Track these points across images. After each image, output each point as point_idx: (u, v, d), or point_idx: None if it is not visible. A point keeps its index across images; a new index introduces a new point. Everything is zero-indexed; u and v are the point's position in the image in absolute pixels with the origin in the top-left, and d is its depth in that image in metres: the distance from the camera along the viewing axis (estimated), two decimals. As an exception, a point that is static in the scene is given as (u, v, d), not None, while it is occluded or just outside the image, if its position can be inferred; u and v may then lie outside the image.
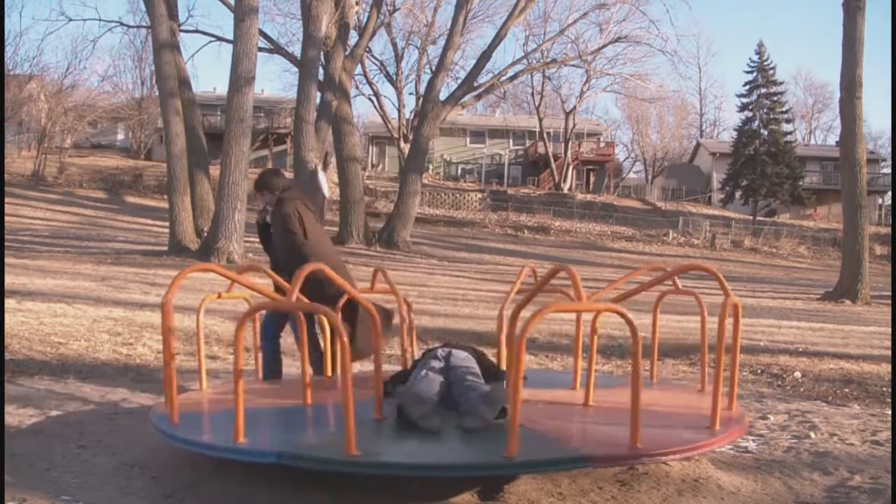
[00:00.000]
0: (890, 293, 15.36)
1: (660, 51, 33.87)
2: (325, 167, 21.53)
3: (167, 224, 19.45)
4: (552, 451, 3.09)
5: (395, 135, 39.88)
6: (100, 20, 40.66)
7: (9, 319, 6.94)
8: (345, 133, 24.74)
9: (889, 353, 7.38)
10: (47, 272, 12.78)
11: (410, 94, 41.77)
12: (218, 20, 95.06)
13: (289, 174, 32.87)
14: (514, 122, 47.41)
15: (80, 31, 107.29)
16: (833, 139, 51.99)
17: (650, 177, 55.71)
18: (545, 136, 44.15)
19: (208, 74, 76.06)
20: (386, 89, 62.66)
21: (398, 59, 40.11)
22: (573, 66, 35.76)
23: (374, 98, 38.88)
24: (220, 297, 4.50)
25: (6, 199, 27.13)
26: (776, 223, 39.85)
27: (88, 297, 9.60)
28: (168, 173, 19.17)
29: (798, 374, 6.58)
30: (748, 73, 44.81)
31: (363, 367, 5.43)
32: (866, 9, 16.28)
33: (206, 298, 4.48)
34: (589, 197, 43.14)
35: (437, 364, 3.89)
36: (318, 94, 21.11)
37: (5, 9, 29.77)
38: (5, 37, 31.56)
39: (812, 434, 4.43)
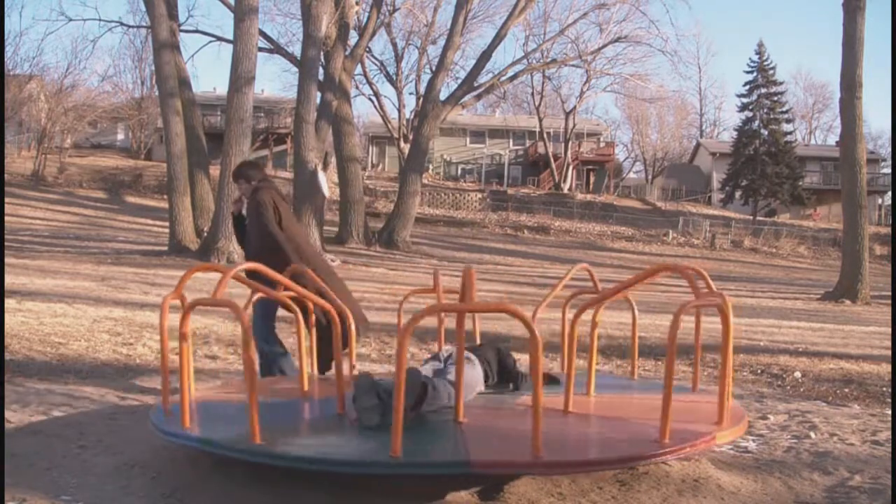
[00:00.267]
0: (890, 293, 15.37)
1: (660, 51, 33.88)
2: (325, 167, 21.52)
3: (167, 224, 19.47)
4: (439, 455, 2.98)
5: (395, 135, 39.89)
6: (100, 20, 40.74)
7: (9, 319, 6.95)
8: (345, 133, 24.75)
9: (889, 353, 7.38)
10: (47, 272, 12.78)
11: (410, 94, 41.85)
12: (218, 20, 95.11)
13: (289, 174, 32.92)
14: (514, 122, 47.42)
15: (80, 31, 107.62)
16: (833, 139, 52.05)
17: (650, 177, 55.72)
18: (545, 136, 44.16)
19: (208, 74, 76.22)
20: (386, 89, 62.81)
21: (398, 59, 40.14)
22: (573, 66, 35.84)
23: (374, 98, 38.95)
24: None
25: (6, 199, 27.14)
26: (776, 223, 39.86)
27: (88, 297, 9.60)
28: (168, 173, 19.18)
29: (798, 374, 6.58)
30: (748, 73, 44.88)
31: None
32: (866, 9, 16.29)
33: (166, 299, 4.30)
34: (589, 197, 43.14)
35: (434, 365, 3.90)
36: (318, 94, 21.12)
37: (5, 9, 29.76)
38: (5, 37, 31.57)
39: (812, 434, 4.43)
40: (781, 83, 45.31)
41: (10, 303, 8.13)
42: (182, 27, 24.58)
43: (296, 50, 26.86)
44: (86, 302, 9.00)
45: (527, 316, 2.81)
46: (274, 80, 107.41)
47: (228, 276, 3.49)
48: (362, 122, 47.93)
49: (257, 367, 4.72)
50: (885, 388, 5.99)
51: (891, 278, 17.12)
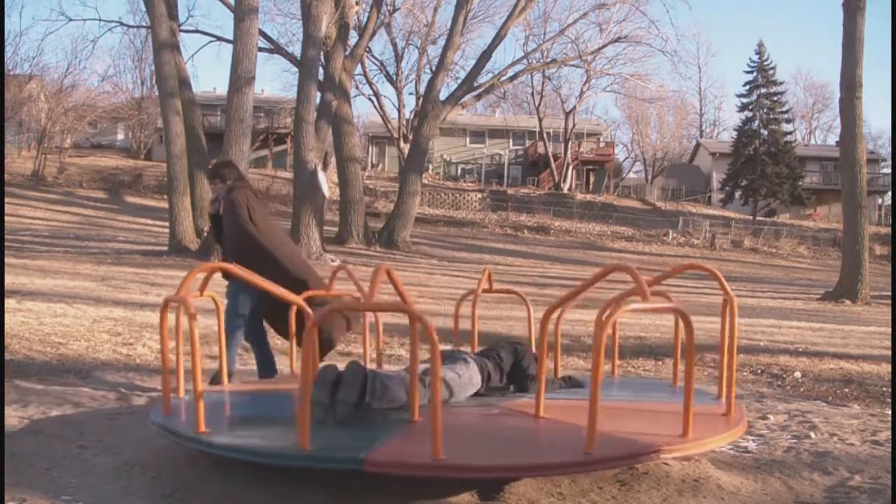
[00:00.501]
0: (890, 293, 15.37)
1: (660, 51, 33.84)
2: (325, 167, 21.51)
3: (167, 224, 19.46)
4: (342, 450, 2.99)
5: (395, 135, 39.88)
6: (100, 20, 40.67)
7: (9, 319, 6.95)
8: (345, 133, 24.74)
9: (889, 353, 7.38)
10: (47, 272, 12.78)
11: (410, 94, 41.84)
12: (218, 20, 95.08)
13: (289, 174, 32.85)
14: (514, 122, 47.41)
15: (80, 31, 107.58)
16: (833, 139, 52.05)
17: (650, 177, 55.72)
18: (545, 136, 44.16)
19: (208, 74, 76.17)
20: (386, 89, 62.79)
21: (398, 59, 40.14)
22: (573, 66, 35.82)
23: (374, 98, 38.95)
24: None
25: (6, 199, 27.13)
26: (776, 223, 39.85)
27: (88, 297, 9.61)
28: (168, 173, 19.17)
29: (798, 374, 6.58)
30: (748, 73, 44.88)
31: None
32: (866, 9, 16.30)
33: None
34: (589, 197, 43.14)
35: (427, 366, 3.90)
36: (318, 94, 21.11)
37: (5, 9, 29.76)
38: (5, 37, 31.58)
39: (812, 434, 4.43)
40: (781, 83, 45.33)
41: (10, 303, 8.13)
42: (182, 27, 24.57)
43: (296, 50, 26.87)
44: (86, 302, 9.00)
45: (420, 314, 2.87)
46: (274, 80, 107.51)
47: (194, 273, 3.55)
48: (362, 122, 47.98)
49: (226, 368, 4.65)
50: (885, 388, 6.00)
51: (891, 278, 17.12)
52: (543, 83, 42.83)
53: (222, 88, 31.28)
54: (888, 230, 36.06)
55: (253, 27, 16.78)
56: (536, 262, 26.25)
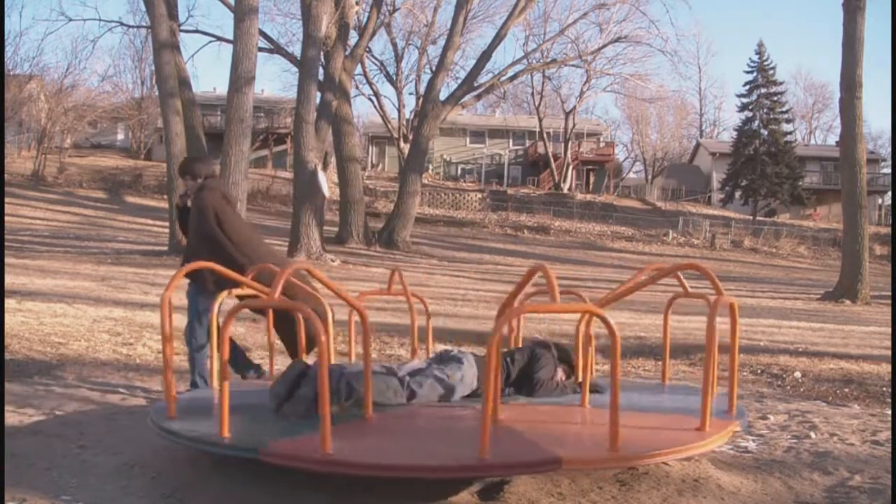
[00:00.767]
0: (890, 293, 15.37)
1: (660, 51, 33.80)
2: (325, 167, 21.50)
3: (167, 224, 19.46)
4: (248, 441, 3.11)
5: (395, 135, 39.88)
6: (100, 20, 40.67)
7: (9, 319, 6.95)
8: (345, 133, 24.73)
9: (889, 353, 7.38)
10: (47, 272, 12.79)
11: (410, 94, 41.84)
12: (218, 20, 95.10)
13: (289, 174, 32.82)
14: (514, 122, 47.41)
15: (80, 31, 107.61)
16: (833, 139, 52.05)
17: (650, 177, 55.72)
18: (545, 136, 44.16)
19: (208, 74, 76.17)
20: (386, 89, 62.77)
21: (398, 59, 40.13)
22: (573, 66, 35.82)
23: (374, 98, 38.94)
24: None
25: (6, 199, 27.13)
26: (776, 223, 39.85)
27: (88, 297, 9.61)
28: (168, 173, 19.17)
29: (798, 374, 6.58)
30: (748, 73, 44.88)
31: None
32: (866, 9, 16.29)
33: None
34: (589, 197, 43.14)
35: (414, 365, 3.97)
36: (318, 94, 21.10)
37: (5, 9, 29.76)
38: (5, 37, 31.57)
39: (812, 434, 4.44)
40: (781, 83, 45.34)
41: (10, 303, 8.13)
42: (182, 27, 24.56)
43: (296, 50, 26.86)
44: (86, 302, 9.00)
45: (310, 313, 2.95)
46: (274, 80, 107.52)
47: (177, 275, 3.55)
48: (362, 122, 47.98)
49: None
50: (885, 388, 6.00)
51: (891, 278, 17.12)
52: (543, 83, 42.83)
53: (222, 88, 31.30)
54: (888, 230, 36.06)
55: (253, 27, 16.77)
56: (536, 263, 26.22)
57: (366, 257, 21.56)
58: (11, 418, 4.19)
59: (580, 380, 4.18)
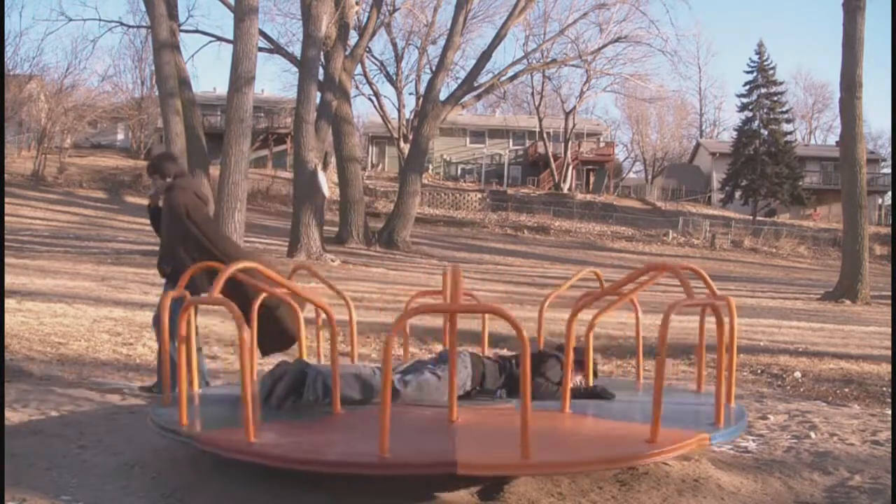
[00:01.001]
0: (890, 293, 15.36)
1: (660, 51, 33.71)
2: (325, 167, 21.50)
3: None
4: (194, 429, 3.34)
5: (395, 135, 39.88)
6: (100, 20, 40.65)
7: (9, 319, 6.94)
8: (345, 133, 24.74)
9: (889, 353, 7.38)
10: (47, 272, 12.78)
11: (410, 94, 41.83)
12: (218, 20, 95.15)
13: (289, 174, 32.80)
14: (514, 122, 47.41)
15: (80, 31, 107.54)
16: (833, 139, 52.03)
17: (650, 177, 55.71)
18: (545, 136, 44.15)
19: (208, 74, 76.15)
20: (386, 89, 62.70)
21: (398, 59, 40.13)
22: (573, 66, 35.83)
23: (374, 98, 38.93)
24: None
25: (6, 199, 27.13)
26: (776, 223, 39.85)
27: (88, 297, 9.60)
28: (168, 173, 19.15)
29: (798, 374, 6.58)
30: (748, 73, 44.87)
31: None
32: (866, 9, 16.29)
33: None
34: (589, 197, 43.14)
35: (409, 364, 4.07)
36: (318, 94, 21.10)
37: (5, 9, 29.75)
38: (5, 37, 31.57)
39: (812, 434, 4.43)
40: (781, 83, 45.33)
41: (10, 303, 8.13)
42: (182, 27, 24.55)
43: (296, 50, 26.86)
44: (86, 302, 9.00)
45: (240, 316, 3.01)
46: (274, 80, 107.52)
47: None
48: (362, 122, 47.96)
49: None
50: (885, 388, 6.00)
51: (891, 278, 17.12)
52: (543, 83, 42.83)
53: (222, 88, 31.29)
54: (888, 230, 36.05)
55: (253, 27, 16.77)
56: (536, 262, 26.25)
57: (366, 257, 21.56)
58: (11, 418, 4.18)
59: (590, 384, 4.20)
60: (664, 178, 50.79)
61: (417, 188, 26.76)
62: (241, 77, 16.45)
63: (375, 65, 38.87)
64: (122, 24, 27.29)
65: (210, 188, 20.79)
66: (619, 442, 3.19)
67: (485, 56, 27.14)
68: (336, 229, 25.17)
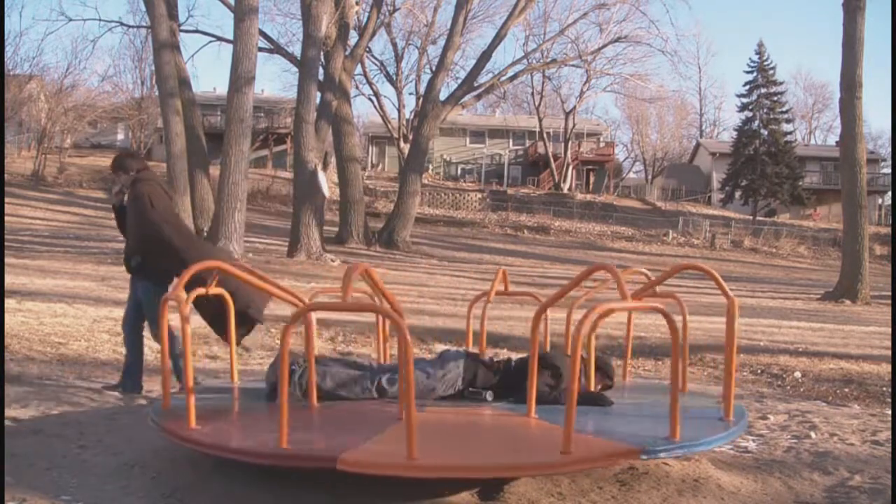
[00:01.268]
0: (890, 293, 15.36)
1: (660, 51, 33.61)
2: (325, 167, 21.49)
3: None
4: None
5: (395, 135, 39.88)
6: (100, 20, 40.55)
7: (9, 319, 6.94)
8: (345, 133, 24.74)
9: (889, 353, 7.38)
10: (47, 272, 12.78)
11: (410, 94, 41.82)
12: (218, 20, 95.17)
13: (289, 174, 32.78)
14: (514, 122, 47.40)
15: (80, 31, 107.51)
16: (833, 139, 52.03)
17: (650, 177, 55.71)
18: (545, 136, 44.15)
19: (208, 74, 76.17)
20: (386, 89, 62.61)
21: (398, 59, 40.13)
22: (573, 66, 35.84)
23: (374, 98, 38.94)
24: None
25: (6, 199, 27.13)
26: (776, 223, 39.84)
27: (88, 297, 9.60)
28: (168, 173, 19.17)
29: (798, 374, 6.59)
30: (748, 73, 44.86)
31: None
32: (866, 9, 16.29)
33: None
34: (589, 197, 43.14)
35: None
36: (318, 94, 21.10)
37: (5, 9, 29.75)
38: (5, 37, 31.56)
39: (812, 434, 4.43)
40: (781, 83, 45.33)
41: (10, 303, 8.13)
42: (182, 27, 24.57)
43: (296, 50, 26.86)
44: (86, 302, 9.00)
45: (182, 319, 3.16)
46: (274, 80, 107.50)
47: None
48: (362, 122, 47.96)
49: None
50: (885, 388, 6.00)
51: (891, 278, 17.12)
52: (543, 83, 42.82)
53: (222, 88, 31.29)
54: (888, 230, 36.04)
55: (253, 27, 16.77)
56: (536, 262, 26.25)
57: (366, 257, 21.55)
58: (11, 418, 4.18)
59: (601, 388, 4.17)
60: (664, 178, 50.79)
61: (417, 188, 26.75)
62: (241, 77, 16.45)
63: (375, 65, 38.93)
64: (122, 24, 27.39)
65: (210, 188, 20.83)
66: (529, 449, 3.08)
67: (485, 56, 27.15)
68: (336, 229, 25.17)
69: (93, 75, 56.37)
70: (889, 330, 10.13)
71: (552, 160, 44.03)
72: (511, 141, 48.40)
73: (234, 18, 16.99)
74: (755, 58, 44.87)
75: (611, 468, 3.34)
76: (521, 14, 27.36)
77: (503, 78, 29.57)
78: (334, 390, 3.86)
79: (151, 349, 6.51)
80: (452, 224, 35.29)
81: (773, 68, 44.43)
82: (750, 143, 42.76)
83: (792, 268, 31.33)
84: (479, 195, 40.17)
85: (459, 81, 28.44)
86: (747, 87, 44.52)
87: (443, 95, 26.54)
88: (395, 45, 39.40)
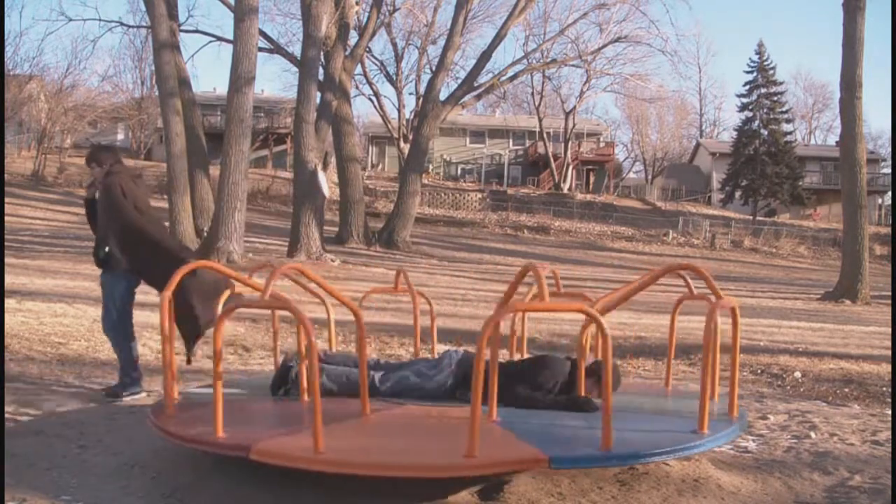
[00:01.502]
0: (890, 293, 15.36)
1: (660, 51, 33.74)
2: (325, 167, 21.48)
3: (167, 224, 19.44)
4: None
5: (395, 135, 39.88)
6: (100, 20, 40.50)
7: (9, 319, 6.94)
8: (345, 133, 24.73)
9: (889, 353, 7.39)
10: (47, 272, 12.77)
11: (410, 94, 41.81)
12: (218, 20, 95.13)
13: (289, 174, 32.77)
14: (514, 122, 47.40)
15: (80, 31, 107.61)
16: (833, 139, 52.02)
17: (650, 177, 55.71)
18: (545, 136, 44.15)
19: (208, 74, 76.18)
20: (386, 89, 62.67)
21: (398, 59, 40.12)
22: (573, 66, 35.83)
23: (374, 98, 38.92)
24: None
25: (6, 199, 27.13)
26: (776, 223, 39.84)
27: (88, 297, 9.59)
28: (168, 173, 19.17)
29: (798, 374, 6.58)
30: (748, 73, 44.85)
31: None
32: (866, 9, 16.29)
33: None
34: (589, 197, 43.13)
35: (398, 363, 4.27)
36: (318, 94, 21.10)
37: (5, 9, 29.75)
38: (5, 37, 31.56)
39: (812, 434, 4.44)
40: (781, 83, 45.31)
41: (10, 303, 8.13)
42: (182, 27, 24.56)
43: (296, 50, 26.85)
44: (86, 302, 8.99)
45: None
46: (274, 80, 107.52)
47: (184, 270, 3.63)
48: (362, 122, 47.95)
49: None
50: (885, 388, 6.00)
51: (891, 278, 17.12)
52: (543, 83, 42.82)
53: (222, 88, 31.30)
54: (888, 230, 36.04)
55: (253, 27, 16.76)
56: (536, 263, 26.22)
57: (366, 257, 21.55)
58: (11, 418, 4.18)
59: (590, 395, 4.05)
60: (664, 178, 50.79)
61: (417, 188, 26.75)
62: (241, 77, 16.45)
63: (375, 65, 38.92)
64: (122, 24, 27.36)
65: (210, 188, 20.83)
66: (440, 451, 3.05)
67: (485, 56, 27.14)
68: (336, 229, 25.17)
69: (93, 75, 56.54)
70: (889, 330, 10.13)
71: (552, 160, 44.04)
72: (511, 141, 48.40)
73: (234, 18, 16.98)
74: (755, 58, 44.91)
75: (611, 469, 3.33)
76: (521, 14, 27.36)
77: (503, 78, 29.57)
78: (330, 387, 3.95)
79: (151, 349, 6.52)
80: (452, 224, 35.29)
81: (773, 68, 44.43)
82: (750, 143, 42.76)
83: (792, 268, 31.33)
84: (479, 195, 40.17)
85: (459, 81, 28.44)
86: (747, 87, 44.53)
87: (443, 95, 26.53)
88: (395, 45, 39.44)
